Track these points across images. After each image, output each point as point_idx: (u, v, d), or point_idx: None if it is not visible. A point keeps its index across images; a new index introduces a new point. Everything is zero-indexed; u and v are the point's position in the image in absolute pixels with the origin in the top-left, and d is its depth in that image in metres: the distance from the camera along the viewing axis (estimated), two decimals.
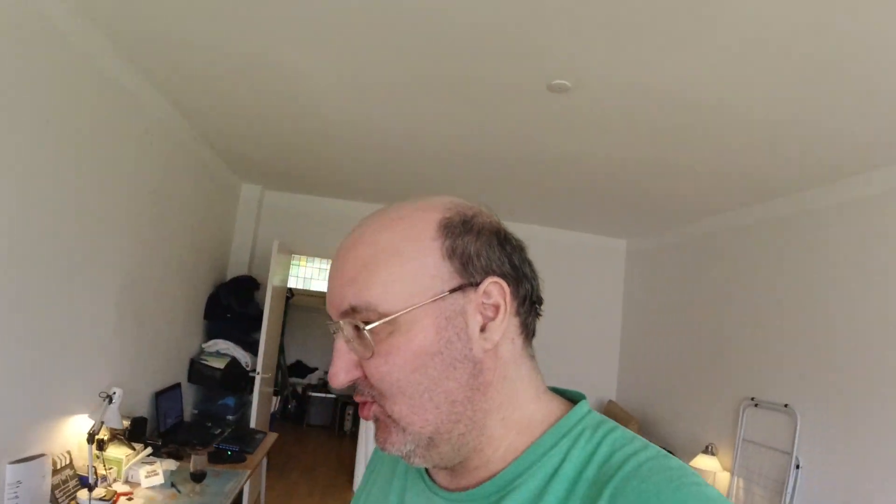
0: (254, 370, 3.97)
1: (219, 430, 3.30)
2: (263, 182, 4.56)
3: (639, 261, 5.09)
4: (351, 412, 6.82)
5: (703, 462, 3.46)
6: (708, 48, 1.82)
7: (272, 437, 3.53)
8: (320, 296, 7.62)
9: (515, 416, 0.53)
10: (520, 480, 0.50)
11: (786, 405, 3.09)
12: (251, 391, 4.09)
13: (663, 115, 2.36)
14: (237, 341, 3.99)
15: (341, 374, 0.51)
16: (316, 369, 7.23)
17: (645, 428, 4.31)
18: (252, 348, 4.12)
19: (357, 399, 0.53)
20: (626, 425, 2.96)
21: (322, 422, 7.01)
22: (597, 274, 5.21)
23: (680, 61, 1.92)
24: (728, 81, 2.02)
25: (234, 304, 4.01)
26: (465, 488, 0.54)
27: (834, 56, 1.77)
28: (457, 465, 0.54)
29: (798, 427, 2.97)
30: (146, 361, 2.95)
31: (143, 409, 2.92)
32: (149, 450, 2.39)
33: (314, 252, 5.44)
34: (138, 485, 2.25)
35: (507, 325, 0.51)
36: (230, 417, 3.75)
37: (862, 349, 2.70)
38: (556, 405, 0.55)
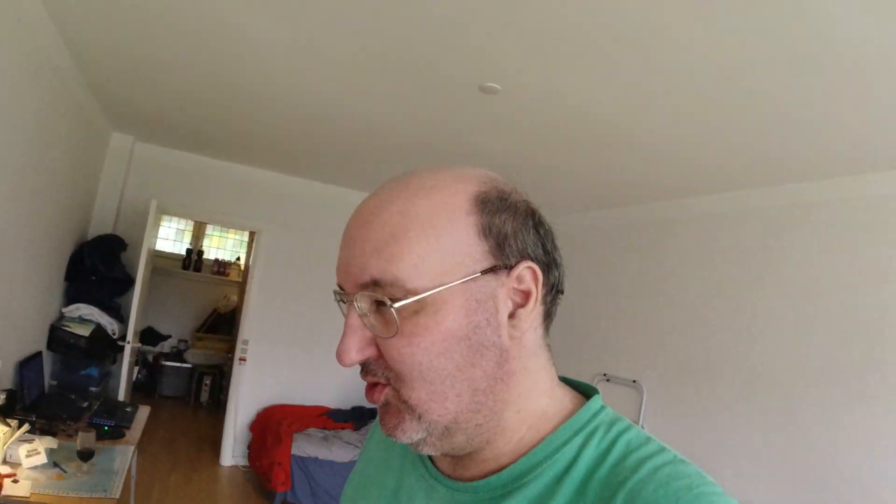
0: (122, 338, 3.65)
1: (85, 404, 3.02)
2: (136, 132, 4.13)
3: None
4: (208, 383, 6.50)
5: None
6: (613, 72, 2.12)
7: (145, 411, 3.31)
8: (174, 258, 7.09)
9: (530, 408, 0.50)
10: (529, 477, 0.48)
11: (634, 381, 3.68)
12: (115, 360, 3.76)
13: (569, 124, 2.66)
14: (101, 306, 3.63)
15: (352, 351, 0.47)
16: (169, 337, 6.73)
17: None
18: (117, 314, 3.78)
19: (367, 380, 0.50)
20: None
21: (176, 393, 6.58)
22: None
23: (587, 78, 2.20)
24: (626, 105, 2.36)
25: (100, 266, 3.63)
26: (471, 479, 0.52)
27: (714, 93, 2.17)
28: (465, 454, 0.51)
29: (644, 399, 3.56)
30: (6, 327, 2.60)
31: (7, 380, 2.58)
32: (26, 426, 2.15)
33: (188, 214, 5.06)
34: (19, 465, 2.03)
35: (535, 313, 0.49)
36: (93, 389, 3.43)
37: (698, 334, 3.33)
38: (569, 399, 0.53)
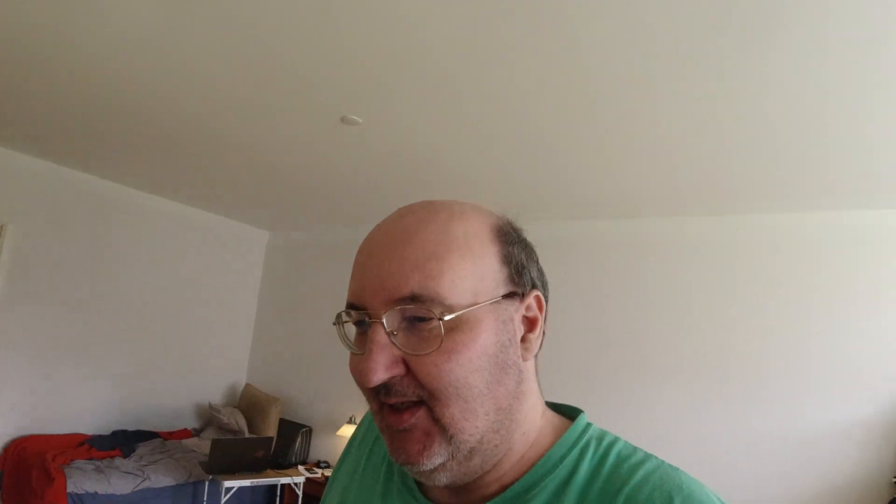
0: None
1: None
2: None
3: (280, 253, 5.49)
4: None
5: (347, 430, 4.26)
6: (457, 116, 2.47)
7: None
8: None
9: (531, 428, 0.53)
10: (532, 493, 0.49)
11: None
12: None
13: (418, 159, 2.96)
14: None
15: (380, 370, 0.46)
16: None
17: (289, 407, 4.80)
18: None
19: (392, 402, 0.48)
20: (268, 405, 3.94)
21: None
22: (235, 259, 5.27)
23: (433, 120, 2.51)
24: (466, 144, 2.76)
25: None
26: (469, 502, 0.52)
27: (543, 138, 2.75)
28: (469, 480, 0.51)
29: None
30: None
31: None
32: None
33: None
34: None
35: (538, 339, 0.53)
36: None
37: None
38: (557, 419, 0.56)
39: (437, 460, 0.47)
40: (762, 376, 3.05)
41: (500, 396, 0.49)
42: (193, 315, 4.78)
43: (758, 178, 2.70)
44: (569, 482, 0.49)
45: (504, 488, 0.51)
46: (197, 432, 4.53)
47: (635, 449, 0.51)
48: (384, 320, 0.46)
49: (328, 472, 4.24)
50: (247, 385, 4.99)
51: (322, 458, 4.51)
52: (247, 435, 4.32)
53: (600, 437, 0.53)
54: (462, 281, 0.47)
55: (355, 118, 2.48)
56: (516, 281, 0.51)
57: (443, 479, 0.49)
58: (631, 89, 1.99)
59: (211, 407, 4.51)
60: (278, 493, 4.09)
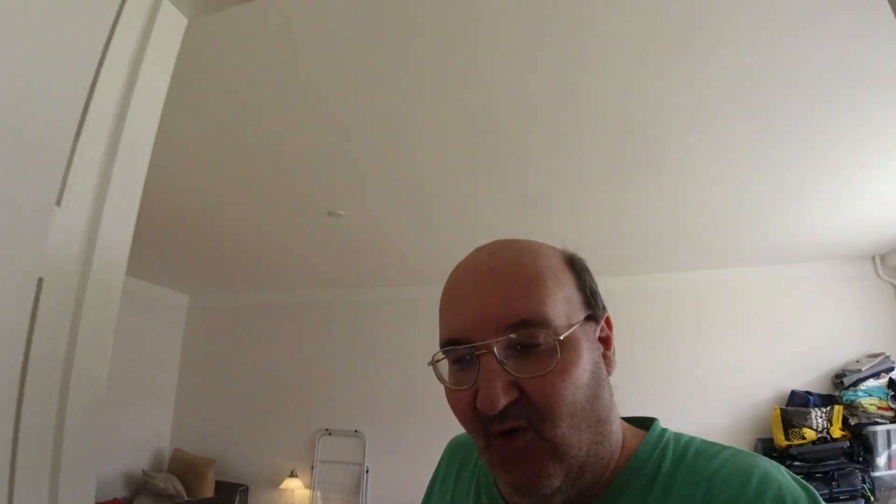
0: None
1: None
2: None
3: (201, 316, 5.63)
4: None
5: (289, 483, 4.49)
6: (423, 215, 3.19)
7: None
8: None
9: (618, 437, 0.56)
10: (622, 493, 0.53)
11: (356, 430, 4.61)
12: None
13: (391, 249, 3.53)
14: None
15: (501, 397, 0.48)
16: None
17: (225, 467, 4.88)
18: None
19: (508, 427, 0.49)
20: (205, 467, 4.58)
21: None
22: (155, 324, 5.32)
23: (403, 216, 3.19)
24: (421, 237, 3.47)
25: None
26: None
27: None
28: None
29: (367, 444, 4.52)
30: None
31: None
32: None
33: None
34: None
35: (614, 358, 0.57)
36: None
37: (405, 389, 4.55)
38: (632, 428, 0.60)
39: (555, 482, 0.49)
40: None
41: (599, 409, 0.52)
42: (112, 382, 4.73)
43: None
44: (655, 478, 0.52)
45: (598, 494, 0.53)
46: (128, 501, 4.48)
47: (713, 443, 0.55)
48: (495, 350, 0.49)
49: None
50: (176, 450, 4.99)
51: None
52: (186, 498, 4.38)
53: (678, 437, 0.57)
54: (559, 305, 0.51)
55: (340, 212, 3.02)
56: (592, 305, 0.56)
57: (558, 501, 0.51)
58: (567, 187, 2.74)
59: (145, 473, 4.50)
60: None
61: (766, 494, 0.46)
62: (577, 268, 0.57)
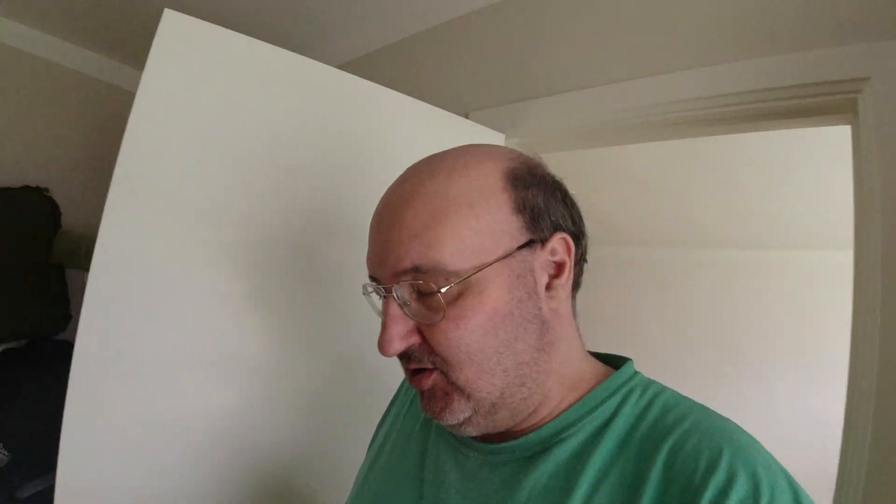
0: None
1: None
2: None
3: None
4: None
5: None
6: None
7: None
8: None
9: (570, 373, 0.52)
10: (567, 433, 0.49)
11: None
12: None
13: None
14: None
15: (396, 341, 0.47)
16: None
17: None
18: None
19: (412, 367, 0.49)
20: None
21: None
22: None
23: None
24: None
25: None
26: (505, 441, 0.51)
27: None
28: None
29: None
30: None
31: None
32: None
33: None
34: None
35: (568, 283, 0.50)
36: None
37: None
38: (600, 365, 0.55)
39: (461, 415, 0.48)
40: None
41: (519, 351, 0.48)
42: None
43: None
44: (608, 426, 0.48)
45: (539, 427, 0.51)
46: None
47: (684, 398, 0.49)
48: (395, 293, 0.47)
49: None
50: None
51: None
52: None
53: (646, 385, 0.51)
54: (464, 243, 0.46)
55: None
56: (533, 228, 0.49)
57: (470, 431, 0.50)
58: None
59: None
60: None
61: (731, 492, 0.39)
62: (519, 183, 0.49)
